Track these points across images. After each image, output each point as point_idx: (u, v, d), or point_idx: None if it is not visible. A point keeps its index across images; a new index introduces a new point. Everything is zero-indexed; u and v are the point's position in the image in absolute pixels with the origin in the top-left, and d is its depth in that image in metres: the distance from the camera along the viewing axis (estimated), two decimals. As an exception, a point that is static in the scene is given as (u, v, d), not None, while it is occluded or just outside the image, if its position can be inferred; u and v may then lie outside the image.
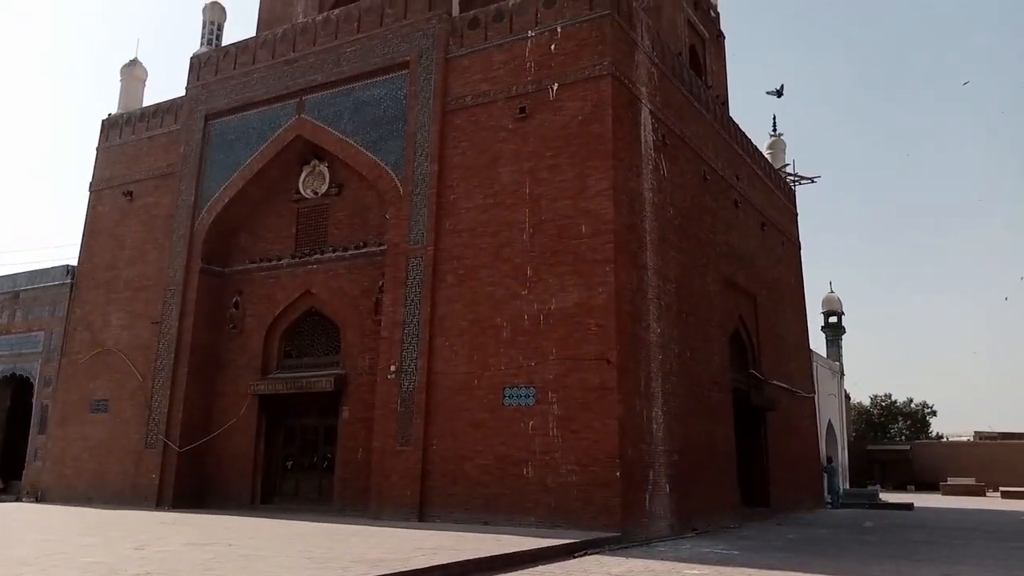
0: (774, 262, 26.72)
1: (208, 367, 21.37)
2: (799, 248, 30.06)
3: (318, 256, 20.69)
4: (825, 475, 30.22)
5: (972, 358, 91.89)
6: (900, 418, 61.98)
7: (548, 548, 12.32)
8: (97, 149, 25.18)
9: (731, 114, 25.41)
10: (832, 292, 43.68)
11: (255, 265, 21.70)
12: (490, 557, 11.08)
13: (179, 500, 20.08)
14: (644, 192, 17.70)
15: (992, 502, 36.10)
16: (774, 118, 32.42)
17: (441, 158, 18.39)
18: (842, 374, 40.88)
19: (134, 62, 26.25)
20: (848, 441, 42.68)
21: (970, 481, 43.20)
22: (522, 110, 17.68)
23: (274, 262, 21.38)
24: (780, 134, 31.90)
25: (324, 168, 21.11)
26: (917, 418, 61.69)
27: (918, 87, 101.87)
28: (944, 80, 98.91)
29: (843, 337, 42.56)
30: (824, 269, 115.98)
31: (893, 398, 62.59)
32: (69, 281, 25.17)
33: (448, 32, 19.13)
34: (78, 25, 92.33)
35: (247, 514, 18.29)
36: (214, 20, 25.10)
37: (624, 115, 17.31)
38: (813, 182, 31.44)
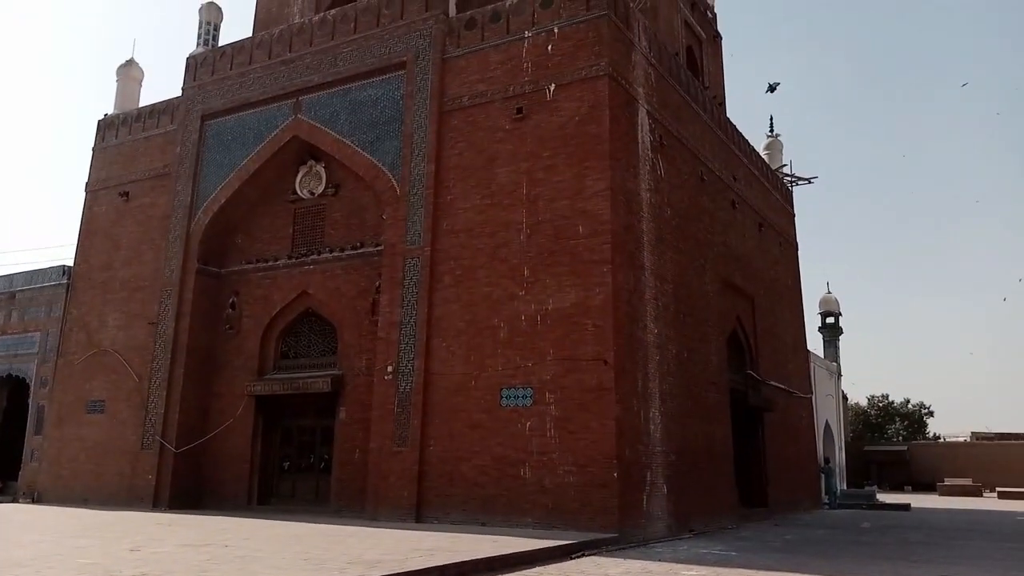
0: (771, 263, 26.73)
1: (205, 368, 21.32)
2: (796, 249, 30.08)
3: (315, 257, 20.66)
4: (823, 476, 30.21)
5: (969, 359, 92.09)
6: (897, 419, 62.04)
7: (545, 549, 12.30)
8: (93, 149, 25.14)
9: (728, 115, 25.42)
10: (829, 293, 43.68)
11: (252, 266, 21.66)
12: (487, 558, 11.06)
13: (175, 501, 20.03)
14: (641, 193, 17.70)
15: (989, 502, 36.12)
16: (771, 119, 32.48)
17: (438, 158, 18.37)
18: (839, 375, 40.89)
19: (130, 62, 26.20)
20: (845, 442, 42.70)
21: (967, 482, 43.23)
22: (519, 110, 17.66)
23: (271, 263, 21.34)
24: (777, 135, 31.93)
25: (321, 168, 21.08)
26: (914, 419, 61.76)
27: (915, 87, 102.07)
28: (942, 81, 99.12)
29: (840, 338, 42.56)
30: (821, 270, 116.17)
31: (890, 399, 62.67)
32: (65, 282, 25.12)
33: (445, 32, 19.11)
34: (75, 25, 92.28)
35: (244, 515, 18.25)
36: (210, 21, 25.06)
37: (621, 116, 17.30)
38: (810, 183, 31.48)
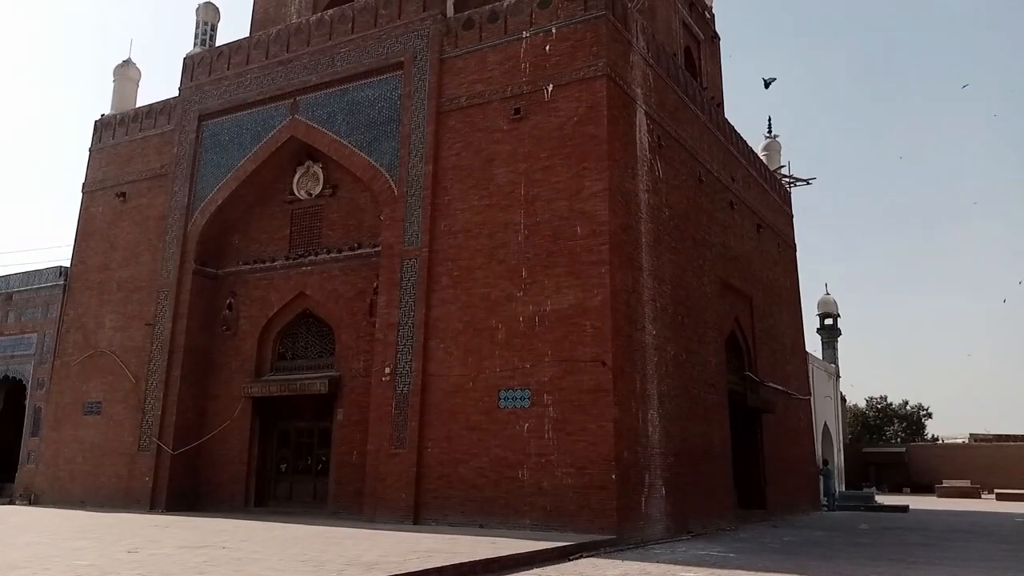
0: (770, 264, 26.71)
1: (202, 369, 21.27)
2: (794, 250, 30.07)
3: (312, 258, 20.62)
4: (821, 477, 30.20)
5: (967, 360, 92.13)
6: (896, 420, 62.08)
7: (543, 551, 12.27)
8: (90, 150, 25.09)
9: (726, 116, 25.40)
10: (828, 294, 43.64)
11: (249, 267, 21.62)
12: (485, 560, 11.02)
13: (173, 503, 19.98)
14: (639, 193, 17.66)
15: (987, 504, 36.12)
16: (769, 120, 32.64)
17: (436, 159, 18.33)
18: (838, 376, 40.87)
19: (127, 63, 26.15)
20: (844, 443, 42.67)
21: (965, 483, 43.23)
22: (517, 111, 17.63)
23: (268, 264, 21.30)
24: (775, 135, 31.94)
25: (318, 169, 21.04)
26: (912, 420, 61.79)
27: (914, 89, 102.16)
28: (940, 82, 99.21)
29: (839, 339, 42.55)
30: (819, 271, 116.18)
31: (889, 400, 62.70)
32: (62, 283, 25.07)
33: (443, 32, 19.08)
34: (71, 26, 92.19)
35: (241, 517, 18.20)
36: (208, 21, 25.00)
37: (619, 116, 17.27)
38: (808, 184, 31.49)
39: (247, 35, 23.46)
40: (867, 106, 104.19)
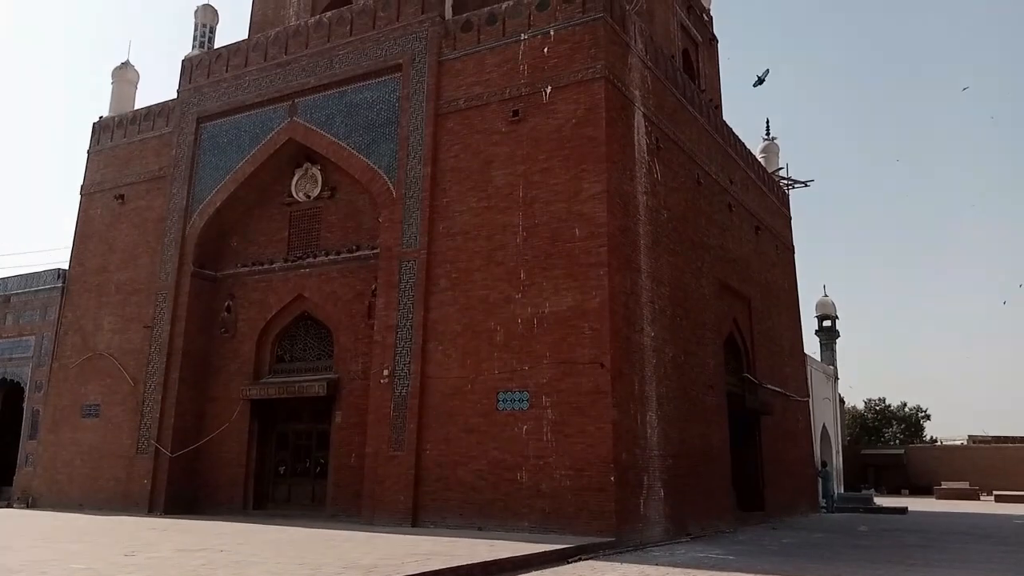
0: (768, 266, 26.71)
1: (200, 372, 21.24)
2: (793, 252, 30.07)
3: (311, 260, 20.60)
4: (820, 479, 30.19)
5: (965, 362, 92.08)
6: (894, 422, 62.06)
7: (542, 554, 12.25)
8: (88, 152, 25.07)
9: (724, 118, 25.41)
10: (826, 296, 43.64)
11: (247, 269, 21.59)
12: (483, 563, 11.01)
13: (171, 506, 19.94)
14: (638, 195, 17.66)
15: (986, 506, 36.12)
16: (767, 122, 32.60)
17: (434, 161, 18.33)
18: (836, 378, 40.87)
19: (126, 64, 26.13)
20: (842, 445, 42.65)
21: (964, 485, 43.22)
22: (515, 113, 17.62)
23: (266, 266, 21.27)
24: (773, 138, 31.96)
25: (317, 171, 21.03)
26: (911, 422, 61.78)
27: (912, 91, 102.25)
28: (938, 84, 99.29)
29: (837, 341, 42.55)
30: (818, 273, 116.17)
31: (887, 402, 62.66)
32: (60, 285, 25.01)
33: (441, 35, 19.08)
34: (70, 28, 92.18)
35: (239, 520, 18.18)
36: (206, 23, 25.00)
37: (617, 118, 17.27)
38: (806, 186, 31.50)
39: (246, 37, 23.45)
40: (865, 108, 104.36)
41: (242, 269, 21.67)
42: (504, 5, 18.52)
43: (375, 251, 19.17)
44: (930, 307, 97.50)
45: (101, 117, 25.27)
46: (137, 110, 24.72)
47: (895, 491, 46.10)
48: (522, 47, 17.93)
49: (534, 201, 16.94)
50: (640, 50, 18.79)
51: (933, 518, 26.47)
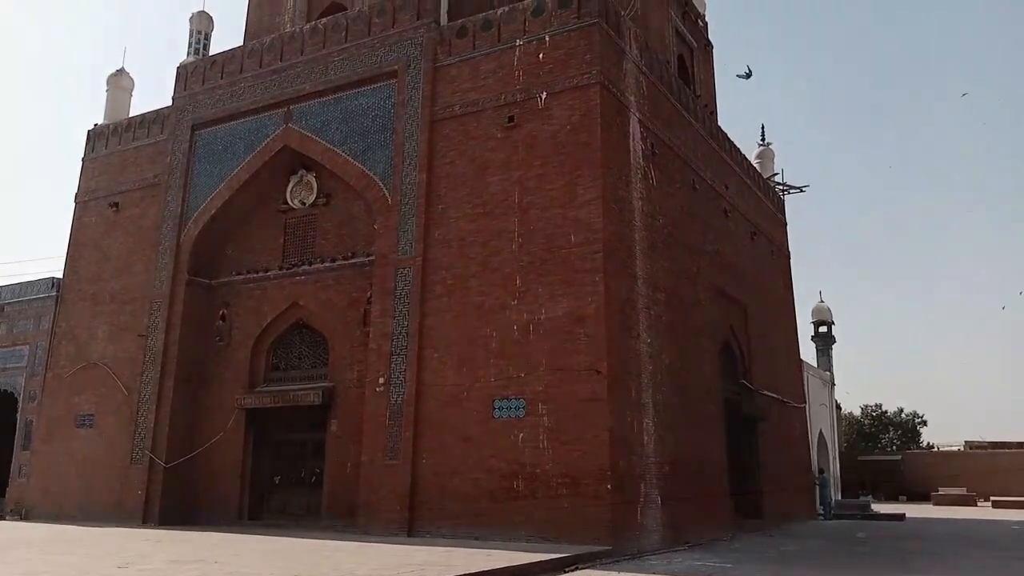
0: (764, 271, 26.68)
1: (195, 380, 21.11)
2: (789, 257, 30.05)
3: (306, 267, 20.50)
4: (817, 486, 30.10)
5: (962, 367, 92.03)
6: (891, 428, 61.94)
7: (539, 563, 12.17)
8: (83, 160, 24.95)
9: (720, 123, 25.40)
10: (822, 302, 43.54)
11: (242, 276, 21.48)
12: (479, 573, 10.92)
13: (166, 517, 19.76)
14: (633, 201, 17.61)
15: (984, 512, 36.02)
16: (762, 127, 32.51)
17: (430, 167, 18.27)
18: (833, 384, 40.79)
19: (120, 72, 26.06)
20: (840, 451, 42.55)
21: (961, 491, 43.09)
22: (511, 119, 17.57)
23: (261, 273, 21.17)
24: (769, 143, 31.97)
25: (312, 178, 20.95)
26: (908, 428, 61.66)
27: (908, 95, 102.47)
28: (934, 89, 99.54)
29: (833, 347, 42.49)
30: (813, 279, 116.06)
31: (883, 408, 62.57)
32: (54, 294, 24.90)
33: (436, 41, 19.04)
34: (65, 35, 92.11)
35: (234, 530, 18.04)
36: (201, 29, 24.96)
37: (613, 124, 17.24)
38: (802, 191, 31.47)
39: (241, 44, 23.37)
40: (861, 113, 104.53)
41: (237, 277, 21.57)
42: (499, 11, 18.49)
43: (370, 258, 19.09)
44: (926, 312, 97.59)
45: (96, 124, 25.19)
46: (132, 117, 24.63)
47: (892, 497, 45.97)
48: (517, 53, 17.89)
49: (529, 207, 16.89)
50: (635, 56, 18.77)
51: (931, 525, 26.40)
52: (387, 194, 18.71)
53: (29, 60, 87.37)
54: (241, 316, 21.26)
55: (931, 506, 40.32)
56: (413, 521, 16.38)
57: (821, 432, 35.73)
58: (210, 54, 23.93)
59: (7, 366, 25.87)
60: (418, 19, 19.40)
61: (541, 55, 17.61)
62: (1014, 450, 49.86)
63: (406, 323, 17.59)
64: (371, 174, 19.13)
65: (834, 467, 38.13)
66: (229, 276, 21.70)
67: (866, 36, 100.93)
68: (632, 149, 17.93)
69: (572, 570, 12.34)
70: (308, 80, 20.56)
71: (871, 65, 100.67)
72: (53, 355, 23.79)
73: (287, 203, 21.25)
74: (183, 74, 23.15)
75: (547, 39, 17.63)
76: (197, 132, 22.31)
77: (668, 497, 16.71)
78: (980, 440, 54.03)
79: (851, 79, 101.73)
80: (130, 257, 22.76)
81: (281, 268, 20.89)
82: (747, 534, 20.06)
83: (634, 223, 17.49)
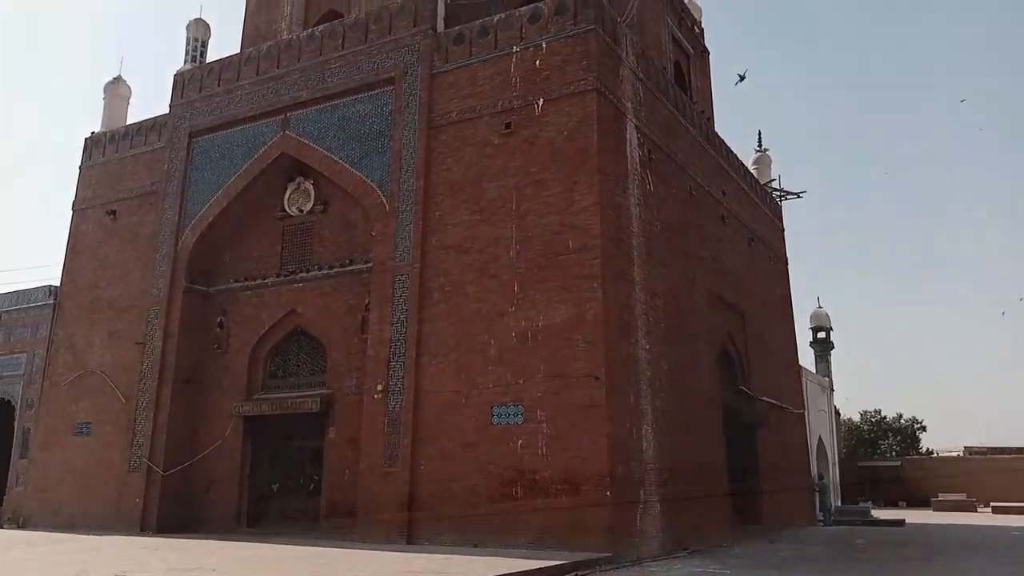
0: (761, 277, 26.68)
1: (192, 388, 21.06)
2: (786, 263, 30.05)
3: (304, 274, 20.48)
4: (817, 492, 30.06)
5: (961, 373, 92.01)
6: (890, 434, 61.89)
7: (538, 570, 12.14)
8: (80, 168, 24.95)
9: (716, 129, 25.43)
10: (820, 307, 43.59)
11: (240, 284, 21.45)
12: (478, 580, 10.87)
13: (164, 524, 19.69)
14: (630, 207, 17.62)
15: (983, 518, 35.98)
16: (759, 133, 32.51)
17: (427, 174, 18.27)
18: (832, 390, 40.79)
19: (117, 80, 26.06)
20: (839, 457, 42.52)
21: (961, 497, 43.03)
22: (508, 125, 17.59)
23: (259, 281, 21.14)
24: (766, 149, 31.98)
25: (309, 185, 20.94)
26: (907, 433, 61.61)
27: (905, 101, 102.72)
28: (931, 94, 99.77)
29: (832, 352, 42.49)
30: (811, 284, 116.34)
31: (883, 414, 62.54)
32: (51, 302, 24.88)
33: (433, 48, 19.06)
34: (62, 43, 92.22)
35: (232, 538, 17.98)
36: (198, 37, 24.98)
37: (610, 130, 17.25)
38: (799, 197, 31.47)
39: (238, 51, 23.38)
40: (858, 119, 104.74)
41: (235, 284, 21.54)
42: (496, 18, 18.53)
43: (368, 265, 19.07)
44: (925, 317, 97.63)
45: (93, 132, 25.19)
46: (129, 125, 24.65)
47: (892, 503, 45.91)
48: (514, 59, 17.91)
49: (527, 213, 16.88)
50: (632, 62, 18.79)
51: (931, 530, 26.36)
52: (385, 201, 18.70)
53: (26, 68, 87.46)
54: (239, 323, 21.22)
55: (931, 512, 40.27)
56: (412, 528, 16.33)
57: (820, 438, 35.71)
58: (207, 62, 23.94)
59: (4, 374, 25.82)
60: (415, 26, 19.43)
61: (538, 62, 17.63)
62: (1014, 455, 49.83)
63: (404, 330, 17.56)
64: (369, 181, 19.12)
65: (833, 473, 38.10)
66: (227, 283, 21.67)
67: (863, 42, 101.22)
68: (629, 155, 17.94)
69: (571, 577, 12.31)
70: (305, 87, 20.57)
71: (870, 70, 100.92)
72: (50, 363, 23.74)
73: (285, 210, 21.24)
74: (180, 82, 23.16)
75: (544, 46, 17.65)
76: (194, 140, 22.31)
77: (668, 503, 16.67)
78: (980, 446, 53.99)
79: (849, 85, 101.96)
80: (127, 265, 22.73)
81: (279, 275, 20.86)
82: (747, 540, 20.01)
83: (631, 229, 17.48)
